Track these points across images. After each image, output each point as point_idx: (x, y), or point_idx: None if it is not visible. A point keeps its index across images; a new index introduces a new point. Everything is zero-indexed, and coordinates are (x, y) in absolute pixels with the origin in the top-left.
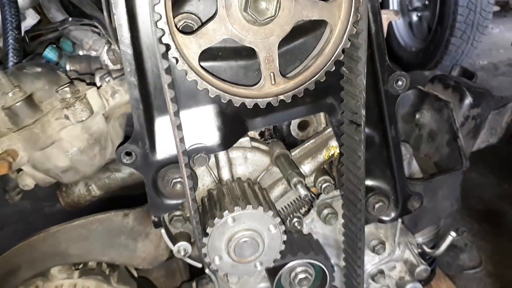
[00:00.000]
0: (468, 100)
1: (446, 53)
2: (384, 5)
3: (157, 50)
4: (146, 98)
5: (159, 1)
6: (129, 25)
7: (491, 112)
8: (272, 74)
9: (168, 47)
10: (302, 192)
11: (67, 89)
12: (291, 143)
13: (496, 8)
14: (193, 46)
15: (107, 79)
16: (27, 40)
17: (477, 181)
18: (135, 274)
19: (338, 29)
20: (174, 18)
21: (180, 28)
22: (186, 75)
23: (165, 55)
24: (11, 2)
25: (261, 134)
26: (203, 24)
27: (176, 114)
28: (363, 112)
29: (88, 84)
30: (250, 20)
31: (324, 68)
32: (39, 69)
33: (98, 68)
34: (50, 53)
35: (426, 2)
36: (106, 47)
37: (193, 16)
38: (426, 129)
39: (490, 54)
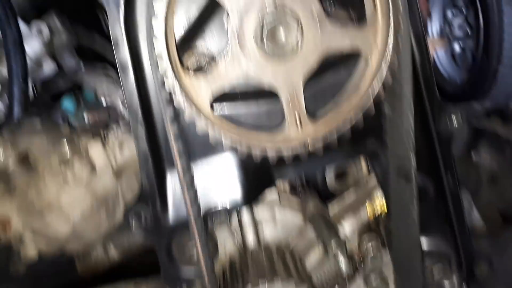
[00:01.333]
0: None
1: (495, 83)
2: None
3: (159, 97)
4: (155, 152)
5: (159, 37)
6: (134, 68)
7: None
8: (297, 117)
9: (172, 93)
10: (343, 265)
11: (66, 146)
12: (328, 195)
13: None
14: (203, 91)
15: (114, 130)
16: (36, 91)
17: None
18: None
19: (375, 60)
20: (182, 55)
21: (190, 66)
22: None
23: (170, 102)
24: (18, 51)
25: (292, 186)
26: (214, 62)
27: (186, 169)
28: (413, 161)
29: (94, 136)
30: (268, 55)
31: (361, 109)
32: (38, 126)
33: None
34: (67, 103)
35: (468, 32)
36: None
37: (205, 48)
38: (485, 172)
39: None
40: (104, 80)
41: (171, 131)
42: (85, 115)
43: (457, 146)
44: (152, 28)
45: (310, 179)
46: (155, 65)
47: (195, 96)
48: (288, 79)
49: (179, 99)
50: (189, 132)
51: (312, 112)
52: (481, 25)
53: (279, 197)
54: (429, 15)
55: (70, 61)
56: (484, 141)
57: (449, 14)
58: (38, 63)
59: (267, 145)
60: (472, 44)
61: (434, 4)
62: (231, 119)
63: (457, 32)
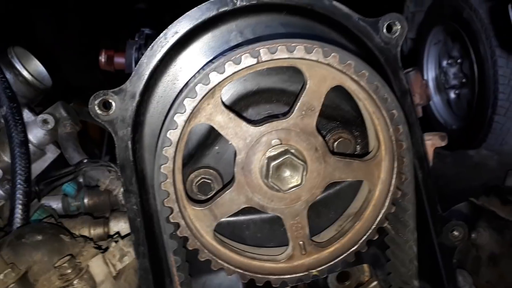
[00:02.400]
0: None
1: (490, 131)
2: None
3: (163, 230)
4: (156, 266)
5: (167, 176)
6: (139, 193)
7: None
8: (302, 243)
9: (177, 226)
10: None
11: (66, 264)
12: None
13: None
14: (206, 220)
15: (115, 241)
16: (37, 189)
17: None
18: None
19: (379, 190)
20: (188, 176)
21: (196, 184)
22: (198, 254)
23: (173, 234)
24: (22, 153)
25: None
26: (218, 192)
27: (184, 284)
28: (417, 284)
29: (96, 247)
30: (273, 188)
31: (365, 237)
32: (39, 237)
33: (114, 210)
34: (68, 187)
35: (463, 80)
36: (122, 188)
37: (211, 171)
38: (485, 251)
39: None
40: (107, 174)
41: (169, 247)
42: (85, 198)
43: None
44: (160, 170)
45: (314, 282)
46: (161, 202)
47: (199, 226)
48: (292, 209)
49: (183, 231)
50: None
51: (318, 226)
52: (476, 75)
53: None
54: (430, 99)
55: (73, 154)
56: (483, 220)
57: (444, 63)
58: (42, 151)
59: (270, 272)
60: (467, 93)
61: (430, 53)
62: (237, 232)
63: (452, 81)
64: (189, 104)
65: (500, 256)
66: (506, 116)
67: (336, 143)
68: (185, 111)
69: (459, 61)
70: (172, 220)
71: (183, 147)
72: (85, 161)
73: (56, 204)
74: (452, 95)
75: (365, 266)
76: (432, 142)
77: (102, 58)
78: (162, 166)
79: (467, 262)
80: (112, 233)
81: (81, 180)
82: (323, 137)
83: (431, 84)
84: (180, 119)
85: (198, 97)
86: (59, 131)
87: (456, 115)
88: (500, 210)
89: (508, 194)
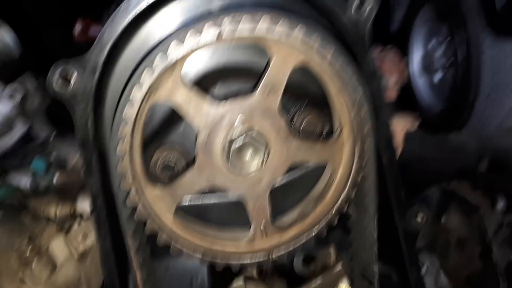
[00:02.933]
0: (501, 206)
1: (472, 114)
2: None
3: (120, 212)
4: (119, 246)
5: (124, 155)
6: (100, 170)
7: None
8: (263, 225)
9: (134, 208)
10: None
11: (25, 245)
12: (295, 280)
13: None
14: (166, 201)
15: (77, 222)
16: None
17: None
18: None
19: (341, 173)
20: (152, 155)
21: (159, 164)
22: (156, 238)
23: (131, 215)
24: None
25: (259, 271)
26: (178, 174)
27: (143, 266)
28: (376, 269)
29: (59, 227)
30: (235, 169)
31: (325, 220)
32: None
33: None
34: (38, 164)
35: (449, 63)
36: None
37: (177, 150)
38: (454, 235)
39: None
40: (74, 150)
41: (127, 229)
42: (55, 175)
43: (428, 207)
44: (115, 150)
45: (279, 264)
46: (117, 184)
47: (158, 208)
48: (253, 191)
49: (141, 212)
50: None
51: (281, 209)
52: (460, 57)
53: (245, 283)
54: (407, 78)
55: (41, 128)
56: (453, 205)
57: (431, 44)
58: (9, 125)
59: (231, 255)
60: (452, 75)
61: (417, 34)
62: (201, 215)
63: (438, 63)
64: (147, 79)
65: (467, 240)
66: (488, 100)
67: (304, 122)
68: (142, 87)
69: (445, 42)
70: (129, 203)
71: (142, 125)
72: (52, 136)
73: (25, 181)
74: (437, 77)
75: (331, 249)
76: (402, 125)
77: (77, 28)
78: (118, 145)
79: (436, 245)
80: (79, 212)
81: (52, 157)
82: (292, 116)
83: (416, 66)
84: (137, 95)
85: (157, 72)
86: (27, 105)
87: (439, 98)
88: (470, 195)
89: (478, 179)
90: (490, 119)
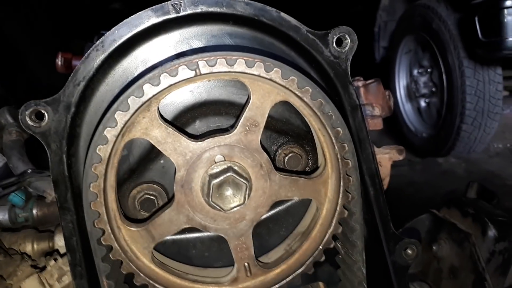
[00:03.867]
0: (492, 233)
1: (458, 139)
2: (390, 91)
3: (94, 252)
4: (95, 287)
5: (97, 195)
6: (74, 207)
7: None
8: (247, 264)
9: (109, 248)
10: None
11: None
12: None
13: (505, 93)
14: (143, 241)
15: (54, 259)
16: None
17: None
18: None
19: (326, 209)
20: (130, 192)
21: (139, 201)
22: (133, 278)
23: (106, 256)
24: None
25: None
26: (157, 212)
27: None
28: None
29: (33, 265)
30: (215, 207)
31: (311, 258)
32: None
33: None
34: (16, 197)
35: (433, 89)
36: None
37: (156, 186)
38: (446, 263)
39: (503, 137)
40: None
41: (102, 271)
42: (34, 209)
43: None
44: (89, 188)
45: None
46: (91, 223)
47: (135, 248)
48: (236, 229)
49: (117, 252)
50: None
51: (267, 243)
52: (444, 84)
53: None
54: (392, 111)
55: (18, 163)
56: (444, 232)
57: (415, 72)
58: None
59: None
60: (437, 101)
61: (401, 62)
62: (183, 251)
63: (423, 90)
64: (120, 118)
65: (460, 268)
66: (473, 125)
67: (287, 157)
68: (116, 125)
69: (429, 70)
70: (103, 242)
71: (117, 163)
72: (29, 171)
73: (2, 215)
74: (423, 103)
75: (320, 284)
76: (389, 155)
77: (59, 61)
78: (91, 184)
79: (429, 274)
80: (57, 247)
81: (30, 190)
82: (275, 150)
83: (402, 92)
84: (110, 133)
85: (131, 111)
86: (4, 138)
87: (426, 123)
88: (460, 222)
89: (468, 206)
90: (476, 143)
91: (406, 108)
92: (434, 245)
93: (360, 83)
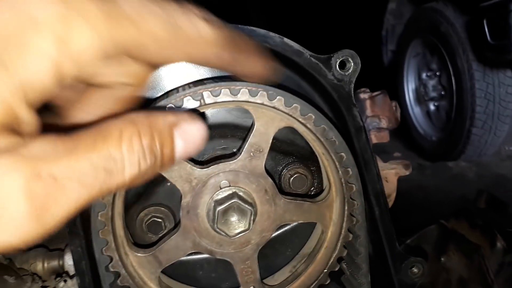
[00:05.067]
0: (501, 245)
1: (469, 143)
2: (399, 95)
3: (103, 279)
4: None
5: (105, 223)
6: (83, 231)
7: None
8: (252, 287)
9: (117, 275)
10: None
11: None
12: None
13: None
14: (150, 267)
15: (64, 280)
16: None
17: None
18: None
19: (331, 232)
20: (138, 215)
21: (146, 224)
22: None
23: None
24: None
25: None
26: (164, 235)
27: None
28: None
29: (44, 286)
30: (221, 232)
31: (316, 281)
32: None
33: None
34: None
35: (442, 93)
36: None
37: (163, 209)
38: (454, 275)
39: None
40: None
41: None
42: None
43: (428, 243)
44: (97, 217)
45: None
46: (99, 251)
47: (142, 274)
48: (241, 253)
49: (124, 280)
50: None
51: (273, 263)
52: (453, 88)
53: None
54: (399, 122)
55: None
56: (453, 243)
57: (423, 75)
58: None
59: None
60: (446, 105)
61: (410, 65)
62: (190, 272)
63: (432, 93)
64: None
65: (469, 280)
66: (484, 128)
67: (292, 178)
68: None
69: (437, 73)
70: (112, 269)
71: (123, 192)
72: None
73: None
74: (432, 107)
75: None
76: (396, 171)
77: None
78: (99, 213)
79: (438, 285)
80: (67, 266)
81: None
82: (280, 172)
83: (411, 96)
84: None
85: None
86: None
87: (436, 126)
88: (469, 233)
89: (477, 217)
90: (487, 146)
91: (415, 111)
92: (442, 257)
93: (366, 95)
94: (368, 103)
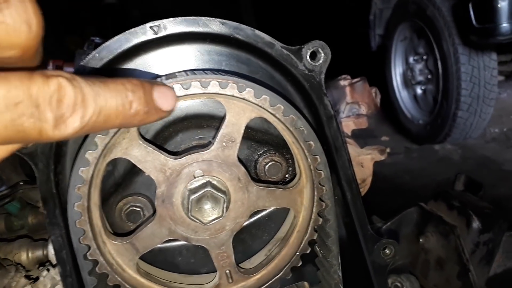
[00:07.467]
0: (476, 225)
1: (454, 126)
2: (387, 79)
3: (81, 267)
4: None
5: (81, 213)
6: (63, 221)
7: (505, 234)
8: (228, 271)
9: (95, 262)
10: None
11: None
12: None
13: (501, 78)
14: (128, 254)
15: (46, 269)
16: None
17: None
18: None
19: (302, 217)
20: (117, 204)
21: (125, 213)
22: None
23: (92, 269)
24: None
25: None
26: (142, 223)
27: None
28: None
29: (27, 276)
30: (196, 219)
31: (289, 264)
32: None
33: None
34: (11, 206)
35: (429, 76)
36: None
37: (141, 198)
38: (433, 255)
39: (500, 121)
40: None
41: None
42: (29, 217)
43: (408, 225)
44: (74, 208)
45: None
46: (76, 240)
47: (120, 261)
48: (216, 239)
49: (102, 267)
50: None
51: (251, 248)
52: (440, 71)
53: None
54: (378, 108)
55: (11, 175)
56: (431, 224)
57: (411, 59)
58: None
59: None
60: (433, 88)
61: (397, 49)
62: (169, 259)
63: (418, 77)
64: (101, 141)
65: (446, 260)
66: (469, 111)
67: (267, 166)
68: (96, 148)
69: (424, 57)
70: (90, 258)
71: (100, 183)
72: (21, 183)
73: None
74: (419, 90)
75: (306, 283)
76: (371, 156)
77: (50, 68)
78: (76, 204)
79: (417, 265)
80: (51, 255)
81: (25, 199)
82: (256, 160)
83: (398, 80)
84: (92, 156)
85: (111, 133)
86: None
87: (422, 110)
88: (446, 215)
89: (454, 199)
90: (472, 129)
91: (402, 95)
92: (421, 238)
93: (346, 82)
94: (348, 89)
